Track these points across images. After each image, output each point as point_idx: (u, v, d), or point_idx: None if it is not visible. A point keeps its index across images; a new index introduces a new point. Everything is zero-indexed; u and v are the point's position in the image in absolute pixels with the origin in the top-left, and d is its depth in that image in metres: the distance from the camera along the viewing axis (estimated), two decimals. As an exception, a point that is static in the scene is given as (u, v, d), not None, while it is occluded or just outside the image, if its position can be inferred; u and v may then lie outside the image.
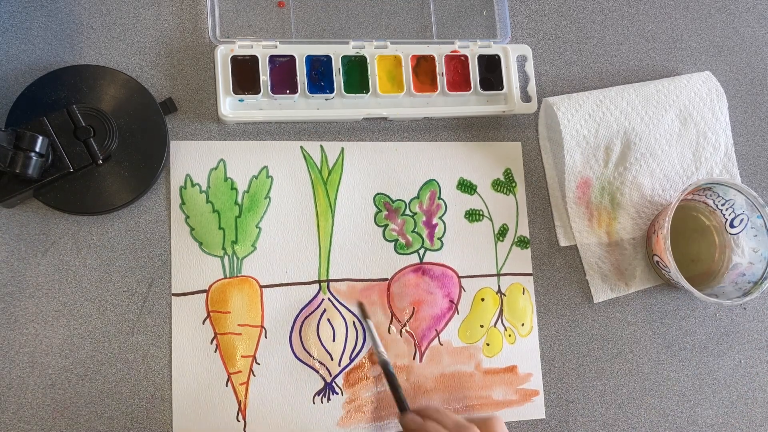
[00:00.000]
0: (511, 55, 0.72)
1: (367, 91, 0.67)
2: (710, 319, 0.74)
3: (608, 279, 0.71)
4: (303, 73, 0.66)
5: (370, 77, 0.67)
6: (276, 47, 0.66)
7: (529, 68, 0.73)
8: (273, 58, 0.65)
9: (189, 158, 0.64)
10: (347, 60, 0.67)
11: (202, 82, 0.66)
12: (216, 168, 0.65)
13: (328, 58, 0.67)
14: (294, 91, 0.65)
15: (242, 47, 0.65)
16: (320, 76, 0.66)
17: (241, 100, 0.65)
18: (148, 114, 0.62)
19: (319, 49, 0.67)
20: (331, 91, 0.66)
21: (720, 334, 0.74)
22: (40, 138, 0.56)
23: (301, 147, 0.67)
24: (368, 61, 0.68)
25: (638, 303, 0.72)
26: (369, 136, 0.69)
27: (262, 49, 0.65)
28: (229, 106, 0.64)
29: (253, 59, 0.65)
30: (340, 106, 0.67)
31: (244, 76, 0.65)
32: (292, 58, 0.66)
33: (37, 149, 0.55)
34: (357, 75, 0.67)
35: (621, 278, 0.72)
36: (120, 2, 0.65)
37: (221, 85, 0.64)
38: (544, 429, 0.68)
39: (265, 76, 0.65)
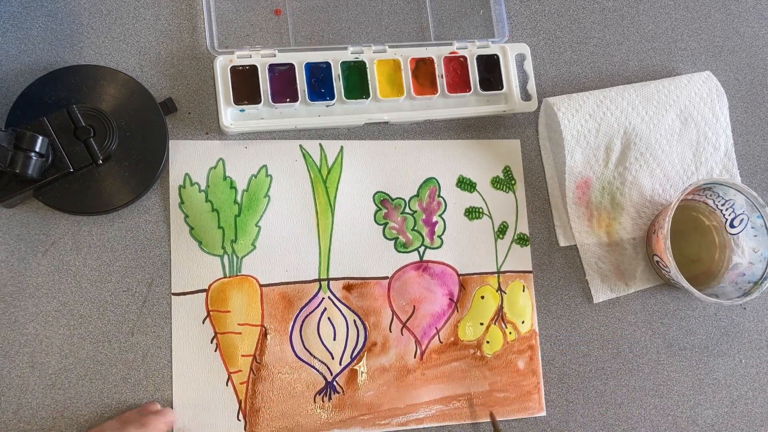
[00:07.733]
0: (510, 54, 0.72)
1: (368, 96, 0.67)
2: (710, 319, 0.74)
3: (608, 279, 0.71)
4: (303, 80, 0.66)
5: (369, 82, 0.67)
6: (275, 56, 0.66)
7: (528, 66, 0.73)
8: (272, 67, 0.65)
9: (188, 157, 0.64)
10: (346, 66, 0.67)
11: (201, 81, 0.66)
12: (215, 167, 0.64)
13: (328, 65, 0.66)
14: (294, 99, 0.65)
15: (241, 57, 0.65)
16: (320, 83, 0.66)
17: (242, 110, 0.65)
18: (148, 114, 0.62)
19: (317, 56, 0.67)
20: (332, 97, 0.66)
21: (720, 334, 0.74)
22: (40, 138, 0.56)
23: (300, 145, 0.67)
24: (367, 66, 0.67)
25: (638, 303, 0.72)
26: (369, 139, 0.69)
27: (261, 59, 0.65)
28: (231, 116, 0.64)
29: (253, 69, 0.65)
30: (341, 112, 0.67)
31: (244, 86, 0.64)
32: (291, 66, 0.66)
33: (37, 149, 0.55)
34: (357, 80, 0.67)
35: (621, 278, 0.72)
36: (120, 2, 0.66)
37: (222, 96, 0.64)
38: (544, 428, 0.68)
39: (265, 86, 0.65)
